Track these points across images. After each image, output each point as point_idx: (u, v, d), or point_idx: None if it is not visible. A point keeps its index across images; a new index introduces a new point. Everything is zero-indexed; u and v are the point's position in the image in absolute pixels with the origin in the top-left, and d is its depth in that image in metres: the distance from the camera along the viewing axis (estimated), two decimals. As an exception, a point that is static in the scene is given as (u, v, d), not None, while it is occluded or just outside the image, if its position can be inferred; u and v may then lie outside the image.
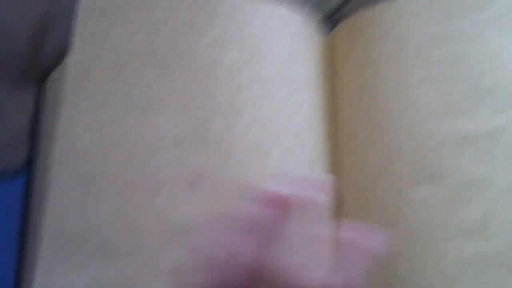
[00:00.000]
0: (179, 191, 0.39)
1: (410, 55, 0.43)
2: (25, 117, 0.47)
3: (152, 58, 0.41)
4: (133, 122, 0.40)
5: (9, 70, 0.45)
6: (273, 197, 0.27)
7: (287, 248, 0.27)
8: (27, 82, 0.47)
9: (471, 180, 0.40)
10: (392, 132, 0.42)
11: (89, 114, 0.40)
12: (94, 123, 0.40)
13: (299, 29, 0.45)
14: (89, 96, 0.40)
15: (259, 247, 0.27)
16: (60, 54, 0.45)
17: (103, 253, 0.37)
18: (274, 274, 0.27)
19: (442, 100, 0.42)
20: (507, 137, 0.39)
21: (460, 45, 0.43)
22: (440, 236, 0.39)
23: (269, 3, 0.44)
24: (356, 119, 0.44)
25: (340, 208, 0.41)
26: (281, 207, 0.27)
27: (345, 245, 0.29)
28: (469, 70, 0.42)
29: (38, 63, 0.47)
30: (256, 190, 0.28)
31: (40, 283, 0.36)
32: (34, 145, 0.46)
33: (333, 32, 0.48)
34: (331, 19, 0.51)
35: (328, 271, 0.28)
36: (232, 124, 0.40)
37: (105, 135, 0.40)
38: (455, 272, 0.38)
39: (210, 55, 0.42)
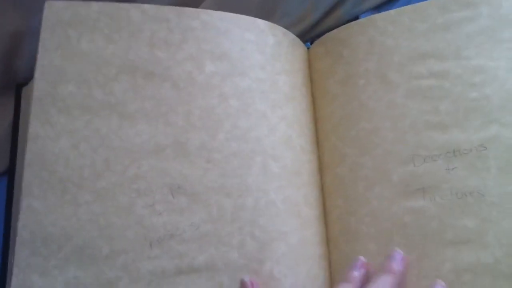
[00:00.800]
0: (160, 198, 0.39)
1: (395, 70, 0.44)
2: (4, 123, 0.47)
3: (127, 66, 0.42)
4: (111, 128, 0.40)
5: None
6: None
7: None
8: (5, 90, 0.48)
9: (464, 191, 0.41)
10: (382, 144, 0.43)
11: (64, 117, 0.40)
12: (69, 127, 0.40)
13: (278, 42, 0.45)
14: (62, 99, 0.40)
15: None
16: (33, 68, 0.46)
17: (81, 256, 0.37)
18: None
19: (430, 113, 0.43)
20: (497, 149, 0.40)
21: (444, 60, 0.44)
22: (435, 245, 0.40)
23: (246, 17, 0.45)
24: (342, 132, 0.44)
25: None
26: None
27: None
28: (454, 85, 0.43)
29: (14, 74, 0.48)
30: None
31: (17, 284, 0.36)
32: (13, 151, 0.46)
33: (313, 46, 0.49)
34: (310, 33, 0.52)
35: None
36: (213, 134, 0.41)
37: (81, 139, 0.40)
38: (452, 280, 0.39)
39: (186, 68, 0.42)
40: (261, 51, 0.44)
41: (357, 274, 0.39)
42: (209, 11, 0.44)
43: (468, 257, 0.39)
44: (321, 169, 0.45)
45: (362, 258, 0.40)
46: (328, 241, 0.43)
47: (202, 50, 0.43)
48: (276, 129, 0.42)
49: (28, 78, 0.47)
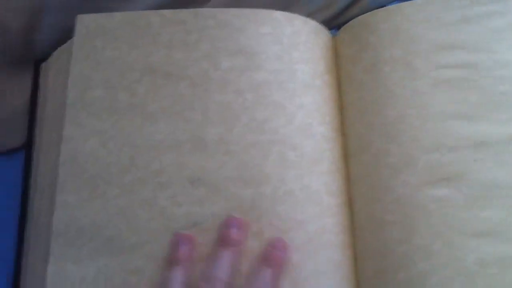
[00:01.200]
0: (181, 190, 0.41)
1: (421, 59, 0.44)
2: (23, 98, 0.50)
3: (148, 69, 0.44)
4: (135, 127, 0.42)
5: (5, 54, 0.48)
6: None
7: None
8: (24, 66, 0.50)
9: (490, 183, 0.40)
10: (408, 131, 0.42)
11: (93, 120, 0.43)
12: (98, 129, 0.43)
13: (296, 31, 0.46)
14: (91, 103, 0.43)
15: None
16: (55, 42, 0.48)
17: (110, 246, 0.40)
18: None
19: (457, 104, 0.42)
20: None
21: (472, 52, 0.43)
22: (460, 235, 0.39)
23: (262, 11, 0.45)
24: (368, 119, 0.44)
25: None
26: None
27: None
28: (483, 77, 0.42)
29: (33, 48, 0.50)
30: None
31: (53, 271, 0.39)
32: (31, 127, 0.49)
33: (339, 33, 0.48)
34: (336, 20, 0.51)
35: None
36: (229, 128, 0.42)
37: (108, 139, 0.42)
38: (476, 271, 0.38)
39: (202, 66, 0.44)
40: (278, 42, 0.45)
41: (184, 250, 0.39)
42: (225, 9, 0.45)
43: (493, 249, 0.38)
44: (346, 156, 0.44)
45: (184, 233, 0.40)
46: (354, 230, 0.42)
47: (218, 47, 0.44)
48: (294, 118, 0.43)
49: (46, 53, 0.50)
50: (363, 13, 0.47)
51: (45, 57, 0.50)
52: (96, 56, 0.45)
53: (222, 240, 0.39)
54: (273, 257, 0.38)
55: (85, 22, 0.46)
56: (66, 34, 0.47)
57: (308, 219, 0.40)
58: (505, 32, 0.43)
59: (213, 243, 0.39)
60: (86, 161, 0.42)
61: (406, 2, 0.46)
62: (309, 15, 0.47)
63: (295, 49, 0.45)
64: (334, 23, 0.52)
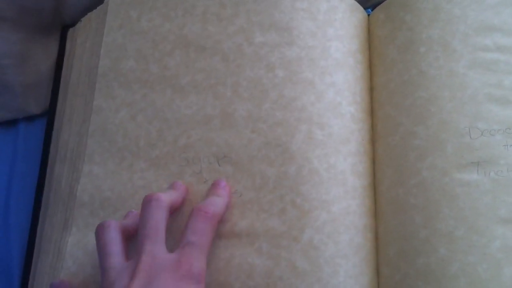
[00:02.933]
0: (207, 167, 0.39)
1: (459, 40, 0.41)
2: (49, 62, 0.48)
3: (181, 41, 0.42)
4: (164, 101, 0.41)
5: (34, 18, 0.46)
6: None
7: None
8: (51, 30, 0.48)
9: None
10: (438, 113, 0.39)
11: (124, 91, 0.41)
12: (128, 100, 0.41)
13: (333, 7, 0.43)
14: (123, 74, 0.42)
15: None
16: (84, 8, 0.46)
17: (136, 219, 0.39)
18: None
19: (493, 86, 0.39)
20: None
21: (509, 36, 0.40)
22: (486, 221, 0.36)
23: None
24: (397, 100, 0.41)
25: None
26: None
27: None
28: None
29: (60, 15, 0.48)
30: None
31: (75, 240, 0.38)
32: (54, 92, 0.47)
33: (375, 11, 0.45)
34: (372, 1, 0.48)
35: None
36: (258, 104, 0.40)
37: (138, 112, 0.41)
38: (501, 258, 0.36)
39: (236, 40, 0.42)
40: (313, 18, 0.42)
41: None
42: (261, -18, 0.42)
43: None
44: (373, 138, 0.42)
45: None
46: (376, 212, 0.40)
47: (252, 22, 0.42)
48: (323, 96, 0.40)
49: (75, 19, 0.48)
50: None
51: (73, 23, 0.48)
52: (130, 26, 0.43)
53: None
54: (220, 187, 0.39)
55: None
56: (95, 0, 0.45)
57: (332, 199, 0.38)
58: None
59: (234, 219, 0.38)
60: (115, 133, 0.41)
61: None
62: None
63: (330, 25, 0.42)
64: (369, 3, 0.48)
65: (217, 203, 0.37)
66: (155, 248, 0.34)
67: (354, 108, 0.41)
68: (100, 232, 0.35)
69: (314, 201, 0.38)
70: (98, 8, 0.45)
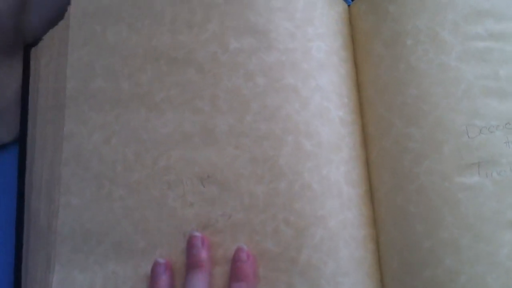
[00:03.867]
0: (190, 189, 0.36)
1: (448, 30, 0.37)
2: (15, 85, 0.44)
3: (151, 54, 0.38)
4: (139, 121, 0.37)
5: None
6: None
7: None
8: (13, 52, 0.44)
9: None
10: (432, 112, 0.36)
11: (95, 113, 0.37)
12: (100, 123, 0.38)
13: (310, 4, 0.39)
14: (93, 95, 0.38)
15: None
16: (45, 24, 0.42)
17: (119, 251, 0.36)
18: None
19: (488, 78, 0.36)
20: None
21: (504, 21, 0.37)
22: (492, 227, 0.33)
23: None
24: (388, 99, 0.38)
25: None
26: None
27: None
28: None
29: (22, 33, 0.44)
30: None
31: (59, 279, 0.35)
32: (23, 117, 0.43)
33: (355, 2, 0.41)
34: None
35: None
36: (240, 117, 0.36)
37: (112, 134, 0.37)
38: (509, 267, 0.33)
39: (211, 48, 0.38)
40: (290, 18, 0.38)
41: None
42: (231, -18, 0.38)
43: None
44: (365, 141, 0.39)
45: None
46: (375, 221, 0.37)
47: (226, 27, 0.38)
48: (309, 102, 0.37)
49: (37, 37, 0.43)
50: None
51: (35, 41, 0.44)
52: (95, 42, 0.39)
53: (193, 264, 0.34)
54: (241, 270, 0.34)
55: (81, 3, 0.39)
56: (57, 15, 0.41)
57: (327, 214, 0.35)
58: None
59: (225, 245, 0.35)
60: (90, 159, 0.37)
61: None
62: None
63: (309, 24, 0.38)
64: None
65: None
66: None
67: (342, 111, 0.38)
68: None
69: (309, 218, 0.35)
70: (59, 24, 0.41)
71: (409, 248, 0.35)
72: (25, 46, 0.44)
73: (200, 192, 0.36)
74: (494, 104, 0.35)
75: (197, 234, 0.35)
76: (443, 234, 0.34)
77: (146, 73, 0.38)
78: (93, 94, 0.38)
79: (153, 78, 0.38)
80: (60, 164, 0.37)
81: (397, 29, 0.38)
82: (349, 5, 0.42)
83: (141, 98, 0.37)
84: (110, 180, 0.37)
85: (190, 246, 0.35)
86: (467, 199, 0.34)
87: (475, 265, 0.33)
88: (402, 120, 0.37)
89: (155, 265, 0.35)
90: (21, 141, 0.43)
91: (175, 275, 0.35)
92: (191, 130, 0.37)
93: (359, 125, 0.39)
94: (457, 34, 0.37)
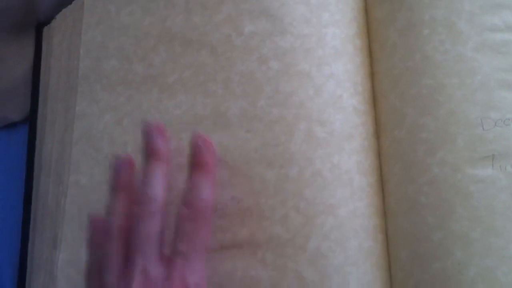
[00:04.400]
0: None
1: (465, 20, 0.36)
2: (25, 64, 0.43)
3: (165, 35, 0.37)
4: (151, 102, 0.36)
5: (5, 17, 0.41)
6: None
7: None
8: (25, 30, 0.43)
9: None
10: (447, 103, 0.35)
11: (107, 94, 0.37)
12: (112, 104, 0.37)
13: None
14: (105, 75, 0.37)
15: None
16: (58, 3, 0.41)
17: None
18: None
19: (505, 71, 0.35)
20: None
21: None
22: (504, 221, 0.33)
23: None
24: (402, 88, 0.37)
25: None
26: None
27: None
28: None
29: (34, 12, 0.43)
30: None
31: (66, 257, 0.34)
32: (34, 96, 0.42)
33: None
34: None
35: None
36: (252, 101, 0.36)
37: (124, 115, 0.37)
38: None
39: (225, 30, 0.37)
40: (305, 2, 0.37)
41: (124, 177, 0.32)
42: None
43: None
44: (377, 131, 0.38)
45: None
46: (385, 212, 0.36)
47: (240, 9, 0.37)
48: (323, 90, 0.36)
49: (49, 16, 0.43)
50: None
51: (47, 20, 0.43)
52: (109, 22, 0.38)
53: (150, 155, 0.32)
54: (202, 161, 0.32)
55: None
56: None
57: (338, 202, 0.34)
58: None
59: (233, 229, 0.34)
60: (101, 139, 0.36)
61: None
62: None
63: (325, 9, 0.37)
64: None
65: (202, 187, 0.31)
66: (147, 263, 0.30)
67: (356, 100, 0.37)
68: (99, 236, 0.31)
69: (319, 206, 0.34)
70: (73, 3, 0.40)
71: (419, 240, 0.34)
72: (37, 25, 0.43)
73: None
74: (510, 96, 0.34)
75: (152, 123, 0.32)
76: (454, 226, 0.33)
77: (159, 54, 0.37)
78: (105, 74, 0.37)
79: (166, 60, 0.37)
80: (70, 143, 0.37)
81: (413, 19, 0.37)
82: (365, -7, 0.41)
83: (153, 79, 0.37)
84: None
85: (145, 135, 0.32)
86: (479, 192, 0.33)
87: (485, 258, 0.32)
88: (416, 110, 0.36)
89: (117, 161, 0.32)
90: (31, 120, 0.42)
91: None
92: (203, 112, 0.36)
93: (372, 115, 0.38)
94: (474, 24, 0.36)
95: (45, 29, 0.43)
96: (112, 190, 0.32)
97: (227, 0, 0.37)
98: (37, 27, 0.43)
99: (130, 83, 0.37)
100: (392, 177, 0.36)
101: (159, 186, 0.31)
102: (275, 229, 0.34)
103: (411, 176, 0.35)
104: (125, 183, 0.32)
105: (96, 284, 0.30)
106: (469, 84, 0.35)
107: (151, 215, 0.31)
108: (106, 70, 0.37)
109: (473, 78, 0.35)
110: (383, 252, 0.35)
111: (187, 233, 0.30)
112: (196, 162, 0.32)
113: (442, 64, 0.36)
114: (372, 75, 0.39)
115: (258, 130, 0.35)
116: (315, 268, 0.33)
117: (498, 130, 0.34)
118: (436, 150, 0.35)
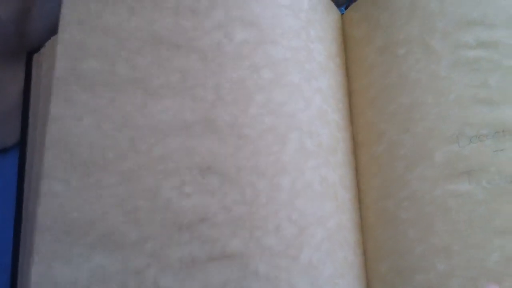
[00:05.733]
0: (189, 179, 0.32)
1: (438, 39, 0.36)
2: (14, 92, 0.41)
3: (152, 38, 0.35)
4: (135, 105, 0.33)
5: (0, 44, 0.39)
6: None
7: None
8: (17, 57, 0.41)
9: None
10: (423, 120, 0.35)
11: (86, 96, 0.33)
12: (92, 106, 0.33)
13: (313, 7, 0.38)
14: (85, 76, 0.33)
15: None
16: (47, 30, 0.39)
17: (107, 243, 0.31)
18: None
19: (478, 87, 0.35)
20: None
21: (493, 28, 0.36)
22: (482, 233, 0.33)
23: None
24: (379, 106, 0.37)
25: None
26: None
27: None
28: (505, 56, 0.35)
29: (25, 39, 0.41)
30: None
31: (39, 271, 0.30)
32: (24, 122, 0.39)
33: (348, 11, 0.41)
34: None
35: None
36: (244, 109, 0.34)
37: (104, 118, 0.33)
38: (499, 272, 0.32)
39: (215, 37, 0.35)
40: (296, 17, 0.37)
41: None
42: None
43: None
44: (355, 147, 0.37)
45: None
46: (363, 227, 0.35)
47: (232, 17, 0.35)
48: (311, 103, 0.35)
49: (39, 43, 0.40)
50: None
51: (38, 47, 0.40)
52: (90, 21, 0.35)
53: None
54: None
55: None
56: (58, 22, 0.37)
57: (327, 215, 0.34)
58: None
59: (223, 239, 0.31)
60: (78, 144, 0.32)
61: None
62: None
63: (312, 26, 0.37)
64: (341, 1, 0.44)
65: None
66: None
67: (338, 116, 0.37)
68: None
69: (310, 217, 0.33)
70: None
71: (400, 253, 0.34)
72: (28, 52, 0.40)
73: (199, 183, 0.32)
74: (484, 112, 0.35)
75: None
76: (435, 239, 0.33)
77: (144, 57, 0.34)
78: (84, 74, 0.34)
79: (152, 63, 0.34)
80: (42, 147, 0.33)
81: (389, 38, 0.38)
82: (342, 14, 0.41)
83: (137, 82, 0.34)
84: (99, 167, 0.32)
85: None
86: (458, 206, 0.34)
87: (467, 270, 0.32)
88: (394, 127, 0.36)
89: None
90: (21, 145, 0.38)
91: (167, 271, 0.31)
92: (192, 118, 0.34)
93: (351, 131, 0.38)
94: (447, 43, 0.36)
95: (35, 56, 0.39)
96: None
97: (218, 6, 0.35)
98: (27, 54, 0.40)
99: (112, 85, 0.34)
100: (370, 192, 0.36)
101: None
102: (268, 240, 0.32)
103: (391, 191, 0.35)
104: None
105: None
106: (444, 102, 0.35)
107: None
108: (85, 70, 0.34)
109: (447, 95, 0.35)
110: (362, 265, 0.35)
111: None
112: None
113: (418, 83, 0.36)
114: (350, 93, 0.39)
115: (249, 138, 0.33)
116: (308, 279, 0.32)
117: (474, 147, 0.35)
118: (415, 166, 0.35)
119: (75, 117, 0.33)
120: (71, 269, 0.30)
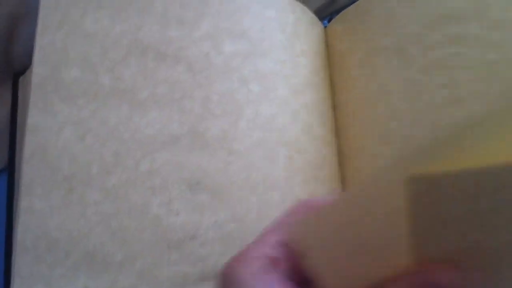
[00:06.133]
0: (177, 196, 0.31)
1: (412, 42, 0.35)
2: (5, 112, 0.38)
3: (137, 47, 0.33)
4: (120, 118, 0.32)
5: None
6: None
7: None
8: (3, 78, 0.38)
9: None
10: (399, 129, 0.34)
11: (67, 106, 0.31)
12: (73, 118, 0.31)
13: (298, 20, 0.37)
14: (65, 85, 0.31)
15: None
16: (32, 53, 0.37)
17: (92, 263, 0.30)
18: None
19: (447, 86, 0.33)
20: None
21: (462, 21, 0.34)
22: None
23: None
24: (361, 119, 0.37)
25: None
26: None
27: None
28: (474, 53, 0.33)
29: (11, 61, 0.39)
30: None
31: None
32: (12, 146, 0.37)
33: (331, 24, 0.40)
34: (327, 10, 0.43)
35: None
36: (233, 122, 0.33)
37: (87, 131, 0.31)
38: None
39: (203, 48, 0.34)
40: (282, 30, 0.36)
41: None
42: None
43: None
44: (340, 162, 0.37)
45: None
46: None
47: (220, 28, 0.34)
48: (298, 118, 0.35)
49: (26, 66, 0.38)
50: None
51: (24, 70, 0.38)
52: (72, 27, 0.33)
53: None
54: None
55: None
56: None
57: (316, 229, 0.32)
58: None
59: (214, 258, 0.30)
60: (59, 157, 0.30)
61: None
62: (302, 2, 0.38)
63: (297, 39, 0.37)
64: (324, 14, 0.43)
65: None
66: None
67: (323, 130, 0.36)
68: None
69: (301, 232, 0.32)
70: None
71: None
72: (14, 74, 0.37)
73: (188, 200, 0.31)
74: (454, 113, 0.33)
75: None
76: None
77: (129, 67, 0.33)
78: (65, 84, 0.32)
79: (137, 73, 0.33)
80: (20, 161, 0.30)
81: (370, 49, 0.37)
82: (325, 27, 0.41)
83: (122, 94, 0.32)
84: (83, 183, 0.30)
85: None
86: None
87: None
88: (373, 139, 0.36)
89: None
90: (10, 168, 0.35)
91: None
92: (179, 131, 0.32)
93: (336, 145, 0.37)
94: (420, 45, 0.35)
95: (21, 78, 0.37)
96: None
97: (206, 17, 0.34)
98: (14, 77, 0.37)
99: (95, 96, 0.32)
100: None
101: None
102: (259, 257, 0.31)
103: None
104: None
105: None
106: (417, 107, 0.34)
107: None
108: (66, 79, 0.32)
109: (420, 99, 0.34)
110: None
111: None
112: None
113: (395, 90, 0.35)
114: (335, 107, 0.38)
115: (239, 152, 0.32)
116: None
117: None
118: None
119: (55, 129, 0.31)
120: (53, 292, 0.28)
